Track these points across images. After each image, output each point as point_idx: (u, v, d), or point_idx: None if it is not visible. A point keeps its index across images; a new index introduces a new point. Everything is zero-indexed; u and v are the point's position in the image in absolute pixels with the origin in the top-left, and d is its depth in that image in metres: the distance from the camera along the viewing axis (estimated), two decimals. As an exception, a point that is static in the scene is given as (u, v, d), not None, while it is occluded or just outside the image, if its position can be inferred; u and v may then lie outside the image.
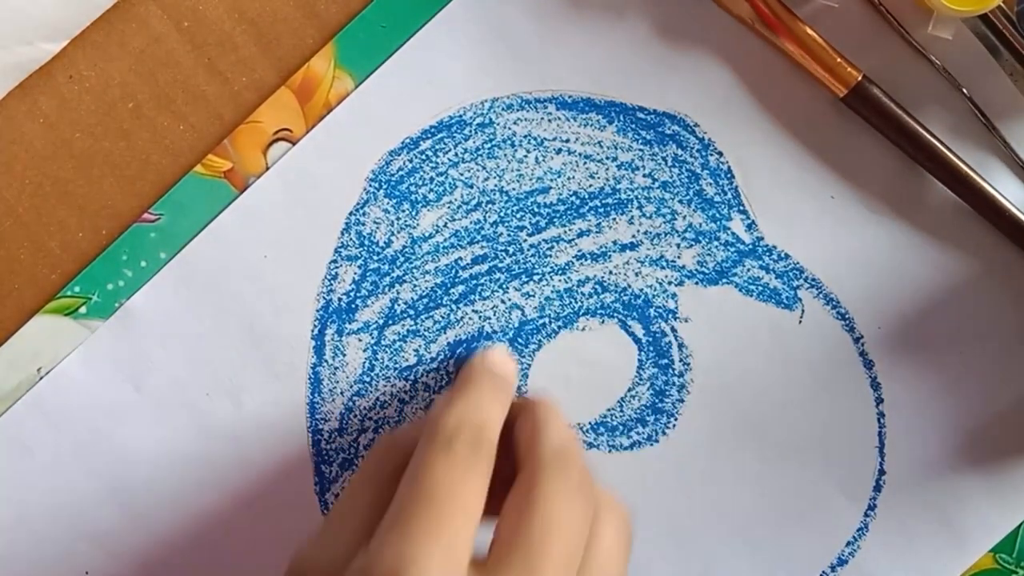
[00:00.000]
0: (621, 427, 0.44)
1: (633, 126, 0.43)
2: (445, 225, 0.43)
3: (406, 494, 0.31)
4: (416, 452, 0.33)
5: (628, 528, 0.34)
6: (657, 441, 0.44)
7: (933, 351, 0.44)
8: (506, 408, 0.36)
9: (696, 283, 0.43)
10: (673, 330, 0.44)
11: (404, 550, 0.29)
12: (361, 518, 0.33)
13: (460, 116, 0.43)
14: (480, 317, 0.43)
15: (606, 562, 0.32)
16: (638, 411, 0.44)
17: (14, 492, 0.43)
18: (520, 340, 0.43)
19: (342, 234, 0.43)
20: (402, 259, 0.43)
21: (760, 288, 0.43)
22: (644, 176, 0.43)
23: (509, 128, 0.43)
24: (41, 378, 0.42)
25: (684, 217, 0.43)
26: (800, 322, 0.44)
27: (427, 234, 0.43)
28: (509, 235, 0.43)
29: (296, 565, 0.33)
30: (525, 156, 0.43)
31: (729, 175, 0.43)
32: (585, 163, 0.43)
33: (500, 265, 0.43)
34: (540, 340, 0.43)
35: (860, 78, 0.41)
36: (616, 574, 0.33)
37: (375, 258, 0.43)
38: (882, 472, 0.44)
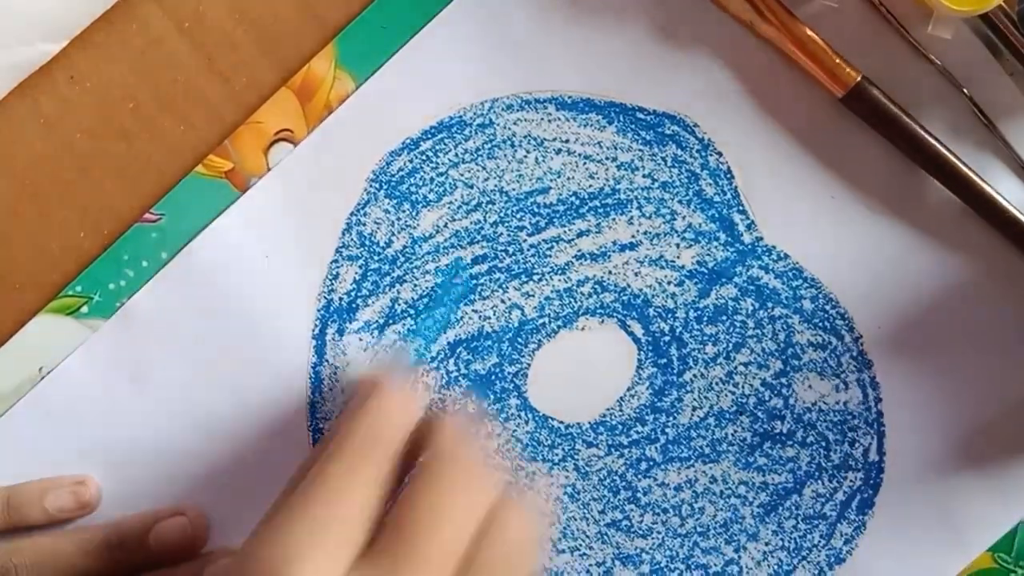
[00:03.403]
0: (620, 426, 0.44)
1: (633, 126, 0.43)
2: (445, 225, 0.43)
3: (289, 497, 0.32)
4: (317, 457, 0.34)
5: (531, 526, 0.34)
6: (656, 440, 0.44)
7: (932, 351, 0.44)
8: (411, 418, 0.36)
9: (696, 283, 0.43)
10: (672, 330, 0.44)
11: (288, 545, 0.30)
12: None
13: (460, 117, 0.43)
14: (480, 317, 0.43)
15: (502, 554, 0.32)
16: (637, 411, 0.44)
17: (16, 491, 0.43)
18: (520, 340, 0.43)
19: (343, 234, 0.43)
20: (402, 259, 0.43)
21: (759, 288, 0.44)
22: (644, 176, 0.43)
23: (509, 128, 0.43)
24: (42, 377, 0.42)
25: (684, 217, 0.43)
26: (799, 321, 0.44)
27: (427, 234, 0.43)
28: (509, 235, 0.43)
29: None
30: (525, 156, 0.43)
31: (729, 175, 0.43)
32: (585, 163, 0.43)
33: (500, 265, 0.43)
34: (540, 340, 0.43)
35: (859, 79, 0.41)
36: (516, 566, 0.33)
37: (376, 258, 0.43)
38: (881, 471, 0.44)
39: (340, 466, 0.32)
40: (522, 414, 0.43)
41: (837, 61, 0.41)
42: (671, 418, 0.44)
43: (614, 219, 0.43)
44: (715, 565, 0.44)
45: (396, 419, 0.35)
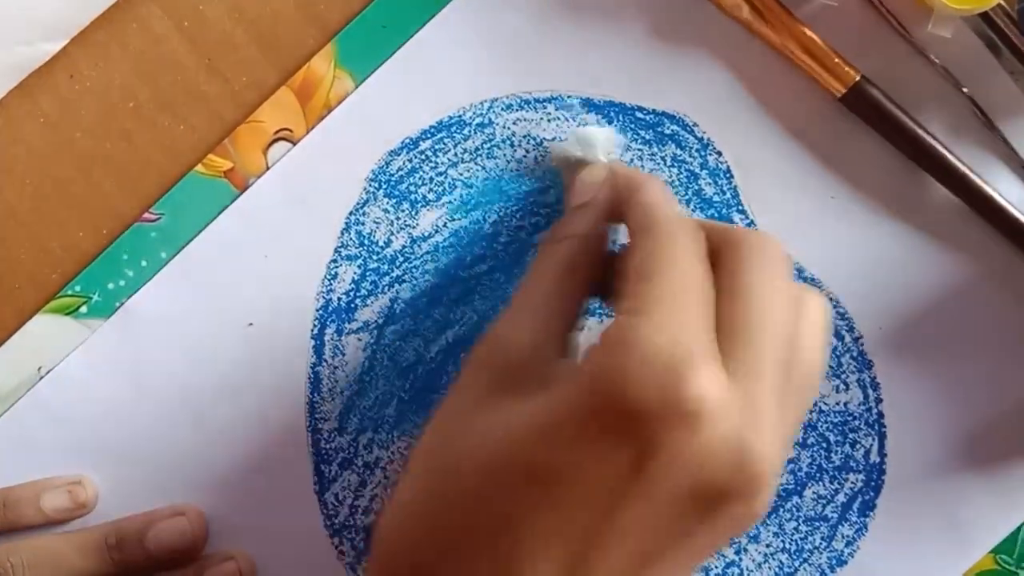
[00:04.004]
0: (620, 427, 0.44)
1: (632, 126, 0.43)
2: (445, 225, 0.43)
3: (649, 276, 0.31)
4: (640, 244, 0.33)
5: (828, 313, 0.34)
6: (657, 441, 0.44)
7: (933, 351, 0.44)
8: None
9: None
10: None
11: (677, 331, 0.29)
12: (552, 305, 0.34)
13: (460, 116, 0.43)
14: (480, 317, 0.43)
15: (811, 347, 0.32)
16: (637, 411, 0.44)
17: (15, 491, 0.43)
18: (520, 340, 0.43)
19: (342, 234, 0.43)
20: (402, 259, 0.43)
21: (760, 288, 0.43)
22: (643, 176, 0.43)
23: (509, 128, 0.43)
24: (42, 377, 0.42)
25: (683, 217, 0.43)
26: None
27: (427, 234, 0.43)
28: (509, 235, 0.43)
29: (488, 341, 0.33)
30: (525, 156, 0.43)
31: (728, 175, 0.43)
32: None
33: (500, 265, 0.43)
34: (539, 340, 0.43)
35: (858, 78, 0.41)
36: (819, 361, 0.33)
37: (375, 258, 0.43)
38: (882, 472, 0.44)
39: (673, 248, 0.32)
40: (522, 414, 0.43)
41: (836, 60, 0.41)
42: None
43: (614, 219, 0.43)
44: (715, 567, 0.44)
45: (671, 194, 0.35)
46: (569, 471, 0.29)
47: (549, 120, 0.43)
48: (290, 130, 0.43)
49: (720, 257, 0.33)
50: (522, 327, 0.33)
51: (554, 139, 0.42)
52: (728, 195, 0.43)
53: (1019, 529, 0.44)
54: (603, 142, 0.41)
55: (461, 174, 0.43)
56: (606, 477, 0.29)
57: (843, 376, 0.44)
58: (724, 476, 0.29)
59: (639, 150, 0.43)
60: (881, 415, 0.44)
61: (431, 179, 0.43)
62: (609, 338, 0.30)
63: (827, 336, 0.34)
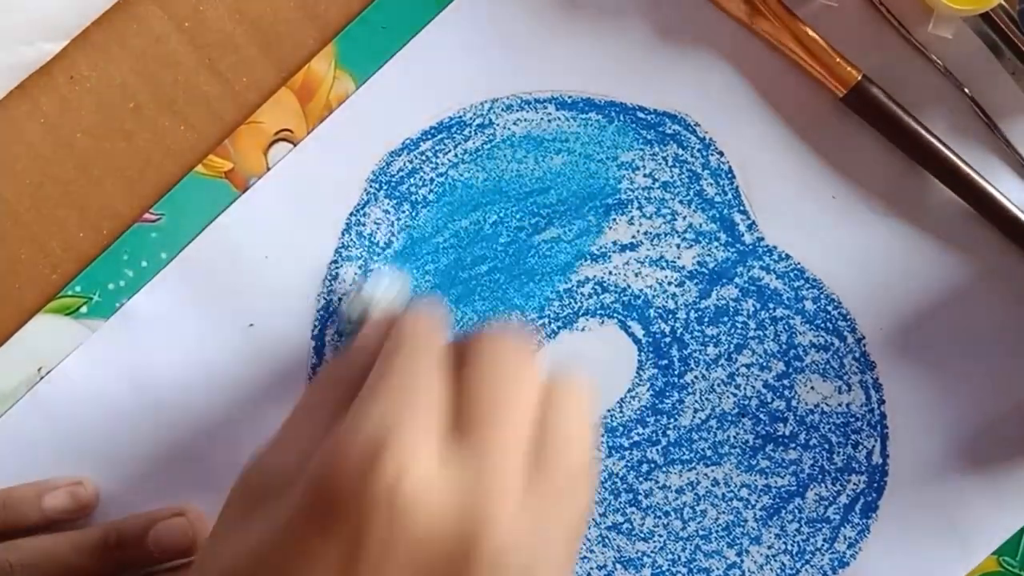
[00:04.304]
0: (621, 428, 0.44)
1: (633, 126, 0.43)
2: (445, 225, 0.43)
3: (376, 380, 0.31)
4: (380, 358, 0.33)
5: (584, 404, 0.33)
6: (657, 442, 0.44)
7: (935, 352, 0.44)
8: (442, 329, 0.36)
9: (696, 284, 0.43)
10: (673, 331, 0.43)
11: (385, 416, 0.29)
12: (318, 429, 0.33)
13: (460, 117, 0.43)
14: (480, 317, 0.43)
15: (564, 434, 0.32)
16: (638, 412, 0.44)
17: (15, 492, 0.43)
18: (520, 340, 0.43)
19: (342, 235, 0.43)
20: (402, 260, 0.43)
21: (761, 289, 0.43)
22: (644, 176, 0.43)
23: (509, 128, 0.43)
24: (42, 378, 0.42)
25: (684, 217, 0.43)
26: (801, 322, 0.44)
27: (427, 234, 0.43)
28: (509, 235, 0.43)
29: (253, 467, 0.33)
30: (525, 156, 0.43)
31: (730, 175, 0.43)
32: (585, 163, 0.43)
33: (500, 265, 0.43)
34: (540, 340, 0.43)
35: (859, 78, 0.41)
36: (578, 444, 0.32)
37: (375, 258, 0.43)
38: (884, 473, 0.44)
39: (407, 357, 0.32)
40: (522, 415, 0.43)
41: (837, 60, 0.41)
42: (672, 420, 0.44)
43: (614, 219, 0.43)
44: (717, 569, 0.44)
45: (434, 322, 0.35)
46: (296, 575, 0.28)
47: (549, 120, 0.43)
48: (290, 131, 0.43)
49: (463, 361, 0.33)
50: (278, 451, 0.33)
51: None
52: (730, 195, 0.43)
53: (1022, 531, 0.44)
54: (382, 295, 0.41)
55: (461, 175, 0.43)
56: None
57: (845, 377, 0.44)
58: (448, 551, 0.28)
59: (640, 150, 0.43)
60: (884, 416, 0.44)
61: (431, 180, 0.43)
62: (333, 433, 0.30)
63: (588, 422, 0.33)
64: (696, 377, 0.44)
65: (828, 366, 0.44)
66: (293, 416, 0.34)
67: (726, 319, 0.44)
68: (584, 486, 0.32)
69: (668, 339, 0.44)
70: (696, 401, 0.44)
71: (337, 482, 0.28)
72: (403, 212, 0.43)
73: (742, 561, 0.44)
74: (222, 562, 0.30)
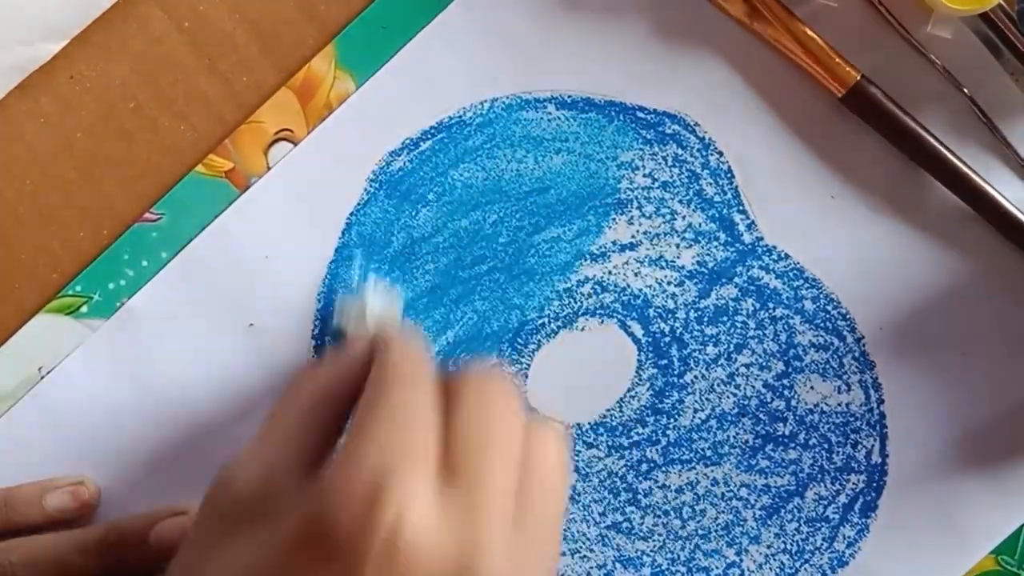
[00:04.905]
0: (620, 427, 0.44)
1: (633, 126, 0.43)
2: (445, 225, 0.43)
3: (369, 412, 0.32)
4: (369, 386, 0.33)
5: (561, 448, 0.34)
6: (657, 442, 0.44)
7: (934, 352, 0.44)
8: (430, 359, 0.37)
9: (696, 283, 0.43)
10: (673, 330, 0.44)
11: (383, 453, 0.30)
12: (293, 438, 0.33)
13: (460, 117, 0.43)
14: (480, 317, 0.43)
15: (543, 476, 0.32)
16: (638, 412, 0.44)
17: (15, 491, 0.43)
18: (520, 340, 0.43)
19: (343, 234, 0.43)
20: (402, 259, 0.43)
21: (760, 288, 0.43)
22: (644, 176, 0.43)
23: (509, 128, 0.43)
24: (42, 377, 0.42)
25: (684, 217, 0.43)
26: (801, 322, 0.44)
27: (427, 234, 0.43)
28: (509, 235, 0.43)
29: (224, 475, 0.33)
30: (525, 156, 0.43)
31: (729, 175, 0.43)
32: (585, 163, 0.43)
33: (500, 265, 0.43)
34: (540, 340, 0.43)
35: (859, 78, 0.41)
36: (556, 482, 0.33)
37: (375, 258, 0.43)
38: (883, 473, 0.44)
39: (401, 391, 0.32)
40: (522, 415, 0.43)
41: (837, 60, 0.41)
42: (672, 420, 0.44)
43: (614, 219, 0.43)
44: (716, 568, 0.44)
45: (423, 354, 0.35)
46: None
47: (549, 120, 0.43)
48: (291, 130, 0.43)
49: (451, 397, 0.33)
50: (252, 462, 0.33)
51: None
52: (729, 195, 0.43)
53: (1020, 530, 0.44)
54: (371, 310, 0.40)
55: (461, 174, 0.43)
56: None
57: (845, 377, 0.44)
58: None
59: (640, 150, 0.43)
60: (883, 416, 0.44)
61: (431, 179, 0.43)
62: (331, 463, 0.30)
63: (565, 473, 0.34)
64: (696, 377, 0.44)
65: (827, 366, 0.44)
66: (266, 428, 0.35)
67: (725, 319, 0.44)
68: (559, 532, 0.33)
69: (668, 339, 0.44)
70: (696, 401, 0.44)
71: (337, 522, 0.28)
72: (403, 212, 0.43)
73: (741, 560, 0.44)
74: None
